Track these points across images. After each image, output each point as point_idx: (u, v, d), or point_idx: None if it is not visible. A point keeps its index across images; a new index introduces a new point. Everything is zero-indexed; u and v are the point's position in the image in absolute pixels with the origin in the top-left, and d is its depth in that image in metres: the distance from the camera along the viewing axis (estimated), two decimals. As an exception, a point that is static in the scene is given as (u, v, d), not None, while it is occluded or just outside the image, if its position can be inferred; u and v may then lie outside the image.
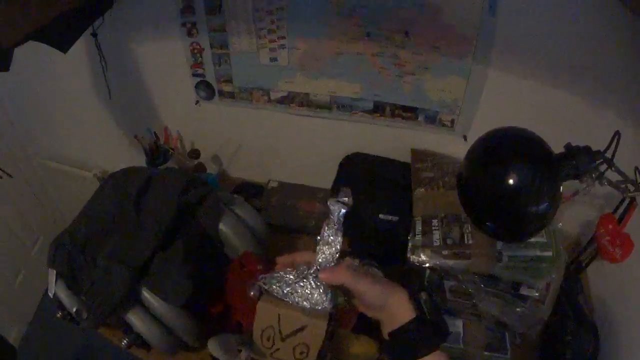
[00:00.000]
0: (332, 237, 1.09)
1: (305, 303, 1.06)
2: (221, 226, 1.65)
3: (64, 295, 1.51)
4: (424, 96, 1.87)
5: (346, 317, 1.28)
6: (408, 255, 1.66)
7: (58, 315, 1.56)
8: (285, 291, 1.08)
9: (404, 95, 1.88)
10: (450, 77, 1.80)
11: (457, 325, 1.65)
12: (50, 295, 1.54)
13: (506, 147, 1.30)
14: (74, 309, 1.50)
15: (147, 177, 1.65)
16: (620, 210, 1.64)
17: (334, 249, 1.08)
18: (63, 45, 1.67)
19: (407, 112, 1.93)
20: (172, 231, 1.57)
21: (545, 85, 1.75)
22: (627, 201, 1.58)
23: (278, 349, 1.11)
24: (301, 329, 1.07)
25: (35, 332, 2.64)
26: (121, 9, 1.75)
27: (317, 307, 1.06)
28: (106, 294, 1.45)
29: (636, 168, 1.48)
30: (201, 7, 1.75)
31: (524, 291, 1.59)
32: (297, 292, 1.07)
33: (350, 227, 1.71)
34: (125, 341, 1.54)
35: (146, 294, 1.49)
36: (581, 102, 1.76)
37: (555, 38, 1.65)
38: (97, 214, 1.61)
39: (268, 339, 1.11)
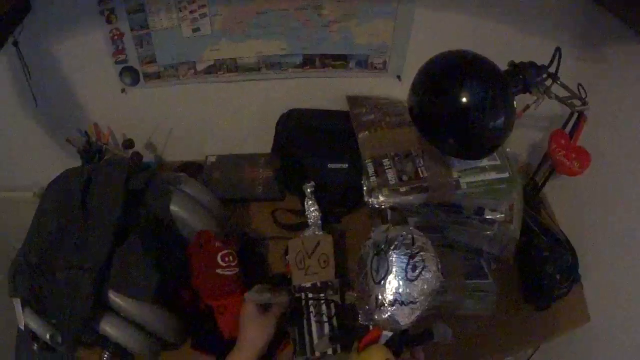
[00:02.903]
0: (312, 208, 1.75)
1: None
2: (172, 207, 1.60)
3: (34, 324, 1.41)
4: (353, 42, 1.88)
5: None
6: (365, 198, 1.67)
7: (35, 348, 1.46)
8: None
9: (332, 45, 1.89)
10: (376, 20, 1.82)
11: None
12: (21, 327, 1.43)
13: (452, 68, 1.34)
14: (48, 336, 1.40)
15: (87, 174, 1.56)
16: (569, 127, 1.70)
17: (316, 212, 1.74)
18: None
19: (338, 61, 1.94)
20: (125, 224, 1.50)
21: (476, 16, 1.80)
22: (574, 117, 1.64)
23: (309, 266, 1.64)
24: (318, 244, 1.67)
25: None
26: (39, 10, 1.65)
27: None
28: (74, 308, 1.36)
29: (579, 84, 1.56)
30: (118, -11, 1.68)
31: (488, 215, 1.63)
32: None
33: (301, 184, 1.73)
34: (105, 355, 1.46)
35: (113, 297, 1.41)
36: (515, 30, 1.83)
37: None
38: (44, 226, 1.50)
39: (301, 262, 1.65)
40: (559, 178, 1.88)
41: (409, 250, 1.19)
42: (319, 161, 1.87)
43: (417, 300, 1.17)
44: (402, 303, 1.16)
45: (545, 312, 1.74)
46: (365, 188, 1.69)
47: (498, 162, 1.65)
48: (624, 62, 1.63)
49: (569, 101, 1.57)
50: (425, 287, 1.18)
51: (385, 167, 1.69)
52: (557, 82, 1.53)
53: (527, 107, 1.56)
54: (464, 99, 1.26)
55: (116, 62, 1.89)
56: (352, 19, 1.81)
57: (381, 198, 1.63)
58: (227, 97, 2.05)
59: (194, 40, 1.84)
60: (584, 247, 1.78)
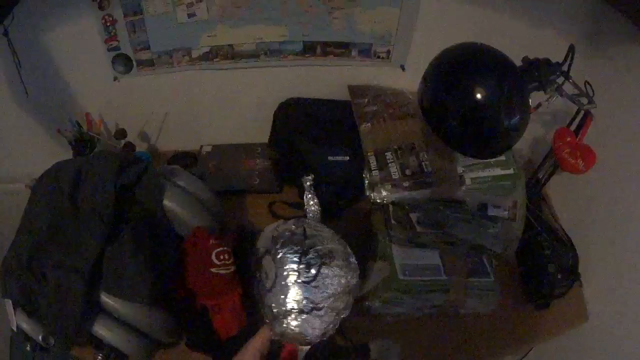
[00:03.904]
0: (311, 202, 1.51)
1: None
2: (165, 202, 1.54)
3: (26, 325, 1.36)
4: (356, 30, 1.83)
5: None
6: (367, 193, 1.65)
7: (27, 349, 1.41)
8: None
9: (335, 32, 1.83)
10: (381, 7, 1.76)
11: (434, 257, 1.61)
12: (14, 328, 1.39)
13: (467, 62, 1.29)
14: (40, 337, 1.35)
15: (77, 168, 1.50)
16: (574, 124, 1.68)
17: (315, 207, 1.51)
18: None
19: (340, 49, 1.89)
20: (117, 220, 1.43)
21: (483, 7, 1.76)
22: (581, 114, 1.62)
23: None
24: None
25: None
26: None
27: None
28: (65, 311, 1.31)
29: (586, 82, 1.52)
30: (111, -26, 1.62)
31: (491, 212, 1.62)
32: None
33: (300, 176, 1.70)
34: (99, 357, 1.41)
35: (105, 298, 1.36)
36: (523, 23, 1.79)
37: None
38: (34, 224, 1.44)
39: None
40: (562, 175, 1.85)
41: (299, 247, 1.08)
42: (318, 153, 1.82)
43: (321, 305, 1.05)
44: (301, 311, 1.04)
45: (543, 311, 1.73)
46: (367, 182, 1.67)
47: (503, 158, 1.64)
48: (630, 62, 1.61)
49: (577, 99, 1.53)
50: (330, 288, 1.05)
51: (388, 161, 1.67)
52: (568, 81, 1.49)
53: (540, 105, 1.51)
54: (479, 95, 1.21)
55: (108, 50, 1.83)
56: (356, 5, 1.75)
57: (384, 193, 1.62)
58: (223, 85, 2.00)
59: (189, 26, 1.78)
60: (585, 246, 1.77)
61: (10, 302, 1.38)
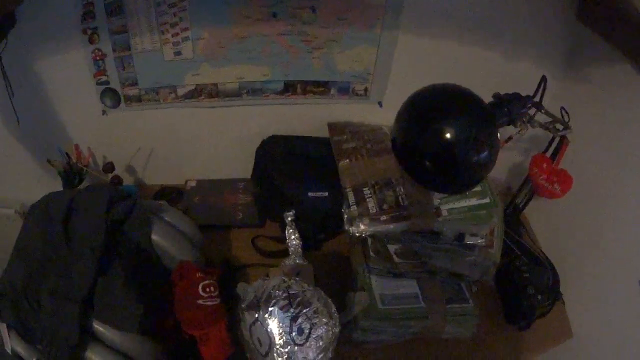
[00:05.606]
0: (293, 236, 1.73)
1: None
2: (153, 236, 1.58)
3: (21, 348, 1.37)
4: (335, 69, 1.88)
5: None
6: (346, 227, 1.67)
7: None
8: None
9: (314, 71, 1.88)
10: (359, 47, 1.82)
11: (412, 286, 1.65)
12: (8, 350, 1.39)
13: (437, 103, 1.33)
14: None
15: (68, 201, 1.54)
16: (551, 150, 1.72)
17: (296, 241, 1.72)
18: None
19: (319, 87, 1.94)
20: (108, 252, 1.47)
21: (458, 44, 1.81)
22: (557, 140, 1.66)
23: None
24: (298, 274, 1.60)
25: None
26: (23, 25, 1.62)
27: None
28: (59, 337, 1.34)
29: (562, 108, 1.57)
30: (101, 9, 1.65)
31: (468, 240, 1.64)
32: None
33: (281, 212, 1.72)
34: None
35: (98, 327, 1.39)
36: (498, 56, 1.84)
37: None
38: (28, 252, 1.48)
39: None
40: (540, 199, 1.89)
41: (288, 314, 1.16)
42: (299, 189, 1.86)
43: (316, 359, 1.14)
44: None
45: (528, 331, 1.75)
46: (345, 217, 1.70)
47: (479, 188, 1.66)
48: (606, 82, 1.67)
49: (552, 126, 1.58)
50: (321, 343, 1.15)
51: (366, 196, 1.69)
52: (541, 111, 1.54)
53: (510, 138, 1.56)
54: (449, 135, 1.25)
55: (97, 83, 1.85)
56: (336, 46, 1.81)
57: (362, 227, 1.63)
58: (207, 122, 2.03)
59: (175, 65, 1.82)
60: (566, 266, 1.81)
61: (5, 325, 1.39)
